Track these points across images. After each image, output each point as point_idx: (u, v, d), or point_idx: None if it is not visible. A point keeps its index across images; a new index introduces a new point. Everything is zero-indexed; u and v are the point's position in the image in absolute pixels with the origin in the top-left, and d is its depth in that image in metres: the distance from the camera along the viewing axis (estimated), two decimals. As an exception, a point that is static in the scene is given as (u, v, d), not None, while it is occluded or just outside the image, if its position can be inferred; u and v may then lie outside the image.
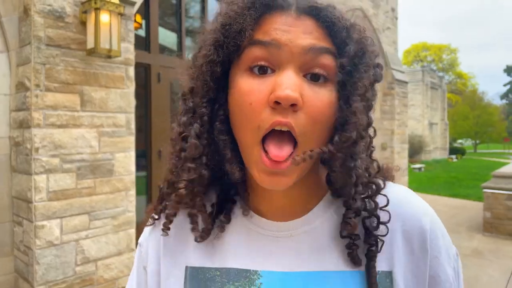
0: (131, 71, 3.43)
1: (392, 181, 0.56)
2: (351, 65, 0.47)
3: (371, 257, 0.49)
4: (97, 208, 3.13)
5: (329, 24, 0.47)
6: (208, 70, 0.50)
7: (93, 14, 2.84)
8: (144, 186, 4.29)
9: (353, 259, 0.49)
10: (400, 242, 0.51)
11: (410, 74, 23.16)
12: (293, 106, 0.44)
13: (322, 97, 0.46)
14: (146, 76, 4.39)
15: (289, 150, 0.46)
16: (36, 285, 2.85)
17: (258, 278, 0.50)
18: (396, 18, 8.92)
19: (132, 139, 3.42)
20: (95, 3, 2.80)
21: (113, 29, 2.90)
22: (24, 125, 2.91)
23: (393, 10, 8.74)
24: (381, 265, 0.49)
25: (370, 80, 0.48)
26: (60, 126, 2.95)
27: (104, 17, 2.86)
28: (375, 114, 8.64)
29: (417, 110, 23.56)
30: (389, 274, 0.49)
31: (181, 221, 0.57)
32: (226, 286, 0.51)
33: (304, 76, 0.47)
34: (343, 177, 0.49)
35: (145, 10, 4.36)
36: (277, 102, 0.44)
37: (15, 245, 3.07)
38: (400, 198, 0.53)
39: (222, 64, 0.50)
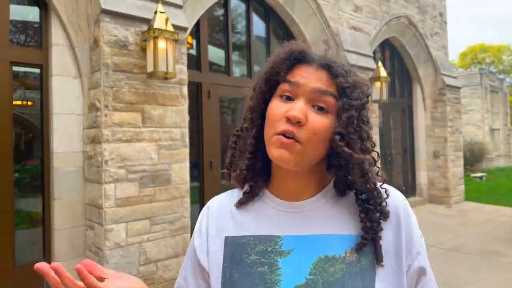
0: (185, 89, 3.79)
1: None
2: (346, 104, 0.69)
3: (376, 229, 0.68)
4: (156, 213, 3.47)
5: (336, 76, 0.71)
6: (260, 97, 0.76)
7: (152, 42, 3.22)
8: (197, 196, 4.61)
9: (363, 228, 0.68)
10: (389, 224, 0.71)
11: (467, 77, 21.91)
12: (299, 123, 0.67)
13: (321, 121, 0.68)
14: (197, 93, 4.75)
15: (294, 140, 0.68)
16: (106, 282, 3.21)
17: (280, 240, 0.72)
18: (445, 23, 8.67)
19: (186, 151, 3.75)
20: (154, 32, 3.18)
21: (169, 54, 3.26)
22: (95, 140, 3.34)
23: (441, 15, 8.51)
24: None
25: (359, 109, 0.70)
26: (125, 141, 3.34)
27: (161, 44, 3.23)
28: (425, 121, 8.38)
29: (476, 115, 22.19)
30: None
31: (223, 206, 0.80)
32: (258, 247, 0.72)
33: (313, 106, 0.69)
34: (357, 177, 0.69)
35: (195, 31, 4.75)
36: (288, 118, 0.67)
37: (87, 246, 3.50)
38: (391, 194, 0.74)
39: (267, 93, 0.75)
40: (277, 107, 0.70)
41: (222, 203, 0.81)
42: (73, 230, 3.51)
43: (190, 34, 4.60)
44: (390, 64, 8.23)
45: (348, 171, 0.70)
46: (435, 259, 4.38)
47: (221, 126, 4.91)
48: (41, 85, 3.61)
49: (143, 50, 3.40)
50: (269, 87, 0.74)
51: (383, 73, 6.01)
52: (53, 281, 0.55)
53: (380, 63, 6.11)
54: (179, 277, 0.83)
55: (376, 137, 6.39)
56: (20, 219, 3.56)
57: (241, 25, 5.64)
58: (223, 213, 0.79)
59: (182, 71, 3.74)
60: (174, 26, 3.51)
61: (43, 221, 3.55)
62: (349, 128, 0.68)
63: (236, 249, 0.73)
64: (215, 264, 0.74)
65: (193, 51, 4.84)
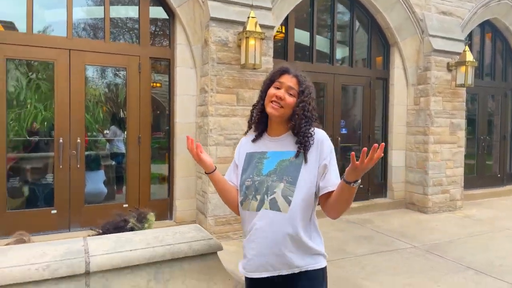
0: (270, 76, 4.77)
1: (318, 128, 1.59)
2: (300, 93, 1.54)
3: (304, 148, 1.54)
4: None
5: (298, 79, 1.56)
6: (264, 90, 1.64)
7: (244, 41, 4.27)
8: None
9: (299, 149, 1.55)
10: (313, 146, 1.55)
11: None
12: (281, 99, 1.54)
13: (291, 98, 1.54)
14: (284, 78, 5.68)
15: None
16: (208, 216, 4.49)
17: (266, 153, 1.60)
18: None
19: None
20: (246, 33, 4.22)
21: (257, 50, 4.27)
22: (204, 114, 4.58)
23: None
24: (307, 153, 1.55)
25: (310, 101, 1.56)
26: (224, 116, 4.51)
27: (251, 42, 4.25)
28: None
29: None
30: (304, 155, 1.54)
31: (246, 140, 1.72)
32: (257, 156, 1.61)
33: (287, 92, 1.55)
34: (299, 124, 1.56)
35: (285, 24, 5.64)
36: (277, 96, 1.55)
37: (197, 190, 4.83)
38: (316, 132, 1.57)
39: (268, 85, 1.64)
40: (272, 91, 1.58)
41: (246, 139, 1.74)
42: (188, 178, 4.89)
43: (282, 24, 5.51)
44: (492, 45, 7.89)
45: (296, 122, 1.57)
46: None
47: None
48: (169, 74, 5.00)
49: (239, 46, 4.48)
50: (269, 84, 1.63)
51: (469, 57, 6.05)
52: (191, 143, 1.58)
53: (467, 48, 6.15)
54: (226, 175, 1.77)
55: (461, 121, 6.48)
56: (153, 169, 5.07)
57: (326, 16, 6.32)
58: (246, 143, 1.72)
59: (268, 62, 4.73)
60: (263, 25, 4.50)
61: (169, 170, 5.00)
62: (301, 104, 1.55)
63: (249, 156, 1.67)
64: (241, 162, 1.70)
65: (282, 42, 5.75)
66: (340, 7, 6.36)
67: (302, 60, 6.02)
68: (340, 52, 6.59)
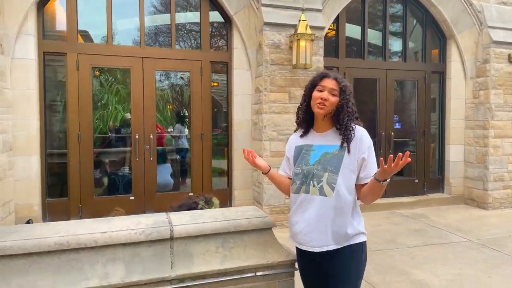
0: (321, 74, 5.02)
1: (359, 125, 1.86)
2: (342, 92, 1.82)
3: (348, 141, 1.83)
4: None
5: (338, 81, 1.84)
6: (308, 93, 1.94)
7: (295, 43, 4.57)
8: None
9: (343, 141, 1.83)
10: (354, 140, 1.81)
11: None
12: (325, 100, 1.82)
13: (333, 98, 1.82)
14: (335, 75, 5.89)
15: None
16: (263, 205, 4.87)
17: (313, 146, 1.90)
18: None
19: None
20: (297, 36, 4.52)
21: (307, 50, 4.54)
22: (258, 112, 4.96)
23: None
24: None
25: (350, 98, 1.83)
26: (277, 113, 4.85)
27: (302, 43, 4.54)
28: None
29: None
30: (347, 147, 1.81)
31: (295, 137, 2.03)
32: (305, 148, 1.92)
33: (330, 93, 1.83)
34: (342, 118, 1.84)
35: (336, 22, 5.83)
36: (321, 98, 1.83)
37: (253, 182, 5.24)
38: (357, 129, 1.84)
39: (310, 89, 1.94)
40: (317, 94, 1.88)
41: (294, 136, 2.04)
42: (245, 170, 5.32)
43: (333, 21, 5.71)
44: None
45: (339, 117, 1.85)
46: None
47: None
48: (226, 75, 5.46)
49: (290, 48, 4.79)
50: (311, 88, 1.91)
51: (533, 47, 5.76)
52: (247, 154, 1.95)
53: (531, 37, 5.86)
54: (280, 167, 2.12)
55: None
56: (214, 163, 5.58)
57: (378, 11, 6.37)
58: (295, 139, 2.02)
59: (319, 61, 4.98)
60: (313, 27, 4.76)
61: (228, 163, 5.47)
62: (342, 101, 1.83)
63: (298, 149, 1.97)
64: (291, 154, 2.02)
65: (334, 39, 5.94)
66: (392, 1, 6.37)
67: (353, 56, 6.16)
68: (393, 47, 6.59)
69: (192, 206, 2.50)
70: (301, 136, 1.98)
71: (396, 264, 3.82)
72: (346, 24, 5.97)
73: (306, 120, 1.95)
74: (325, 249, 1.78)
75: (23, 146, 4.42)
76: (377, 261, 3.91)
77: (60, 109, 4.89)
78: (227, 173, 5.49)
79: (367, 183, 1.76)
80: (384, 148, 6.28)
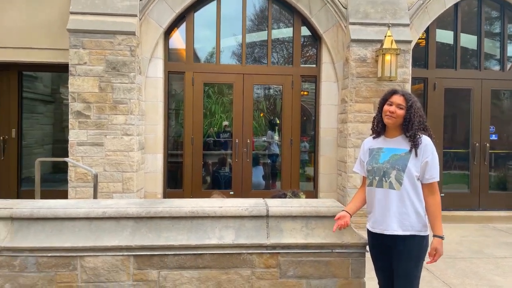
0: (407, 86, 5.25)
1: (427, 135, 2.25)
2: (409, 107, 2.23)
3: (416, 146, 2.24)
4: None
5: (405, 97, 2.26)
6: (380, 107, 2.38)
7: (381, 57, 4.91)
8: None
9: (411, 147, 2.25)
10: (420, 147, 2.21)
11: None
12: (393, 113, 2.25)
13: (401, 112, 2.23)
14: (424, 86, 6.00)
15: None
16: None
17: (383, 148, 2.32)
18: None
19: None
20: (382, 51, 4.86)
21: (392, 64, 4.85)
22: (344, 121, 5.40)
23: None
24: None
25: (416, 112, 2.24)
26: (362, 122, 5.22)
27: (387, 57, 4.86)
28: None
29: None
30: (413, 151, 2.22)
31: (368, 140, 2.47)
32: (376, 150, 2.35)
33: (398, 107, 2.25)
34: (410, 127, 2.26)
35: (426, 32, 5.95)
36: (390, 111, 2.27)
37: (337, 186, 5.66)
38: (423, 138, 2.23)
39: (382, 103, 2.38)
40: (387, 108, 2.31)
41: (368, 140, 2.48)
42: (330, 175, 5.77)
43: (425, 31, 5.86)
44: None
45: (408, 127, 2.26)
46: None
47: (444, 113, 5.94)
48: (315, 87, 6.00)
49: (376, 61, 5.13)
50: (382, 102, 2.34)
51: None
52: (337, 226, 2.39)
53: None
54: (355, 167, 2.58)
55: None
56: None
57: (471, 22, 6.24)
58: (368, 142, 2.47)
59: (405, 73, 5.21)
60: (400, 41, 5.03)
61: (315, 168, 5.99)
62: (410, 114, 2.23)
63: (371, 150, 2.42)
64: (366, 155, 2.47)
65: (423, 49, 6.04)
66: (487, 10, 6.20)
67: (444, 67, 6.16)
68: (489, 56, 6.38)
69: (281, 196, 3.12)
70: (374, 138, 2.43)
71: (478, 271, 3.89)
72: (438, 31, 6.03)
73: (379, 128, 2.40)
74: (394, 233, 2.22)
75: (152, 146, 5.57)
76: (459, 266, 4.02)
77: (179, 117, 6.01)
78: (314, 177, 6.01)
79: (431, 183, 2.21)
80: (478, 159, 6.12)
